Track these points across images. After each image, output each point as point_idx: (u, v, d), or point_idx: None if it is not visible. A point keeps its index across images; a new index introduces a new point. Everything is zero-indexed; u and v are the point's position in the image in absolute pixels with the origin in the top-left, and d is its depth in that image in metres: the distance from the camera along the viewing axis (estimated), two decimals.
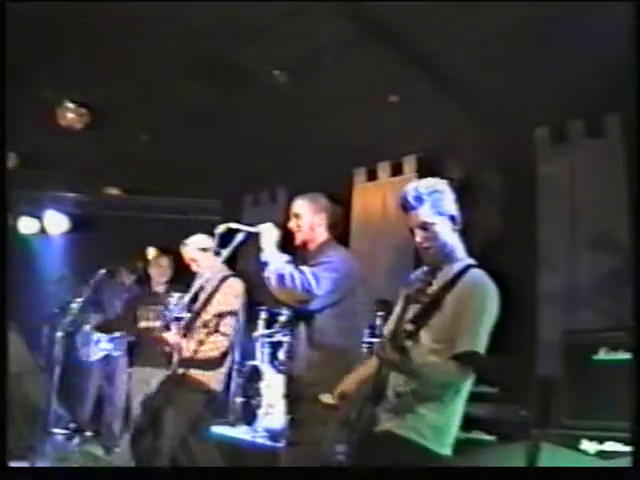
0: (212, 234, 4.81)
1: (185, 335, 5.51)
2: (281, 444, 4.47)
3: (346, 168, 9.04)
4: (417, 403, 3.22)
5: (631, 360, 5.10)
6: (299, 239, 4.62)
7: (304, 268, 4.29)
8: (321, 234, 4.64)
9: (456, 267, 3.37)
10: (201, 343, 5.50)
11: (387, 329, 3.51)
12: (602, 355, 5.45)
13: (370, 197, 8.95)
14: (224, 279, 5.75)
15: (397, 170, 8.69)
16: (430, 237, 3.37)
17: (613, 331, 5.55)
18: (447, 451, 3.26)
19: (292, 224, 4.65)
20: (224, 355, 5.66)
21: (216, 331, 5.51)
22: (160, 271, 7.31)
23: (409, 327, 3.24)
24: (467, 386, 3.32)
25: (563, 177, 7.08)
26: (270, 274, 4.29)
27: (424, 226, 3.36)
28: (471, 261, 3.44)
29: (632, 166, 5.34)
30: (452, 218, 3.42)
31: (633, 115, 4.51)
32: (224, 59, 6.40)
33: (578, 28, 5.32)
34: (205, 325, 5.54)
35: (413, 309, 3.34)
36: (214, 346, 5.52)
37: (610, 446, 4.82)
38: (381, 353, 3.20)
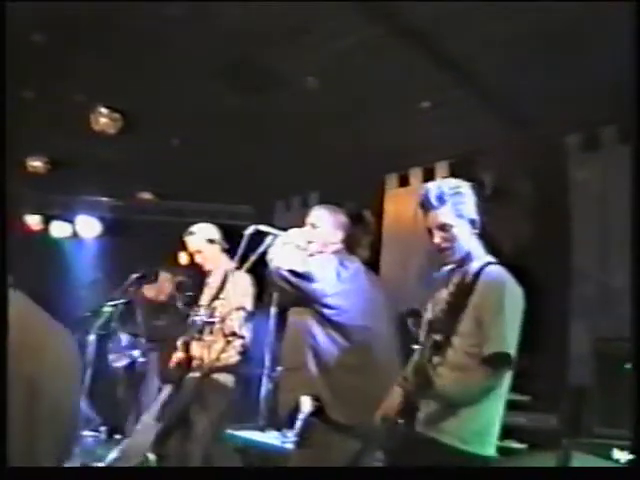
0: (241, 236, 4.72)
1: (200, 340, 5.45)
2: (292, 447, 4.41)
3: (377, 174, 9.02)
4: (455, 408, 3.23)
5: (632, 370, 5.08)
6: (309, 251, 4.48)
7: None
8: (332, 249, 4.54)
9: (473, 268, 3.36)
10: (216, 347, 5.36)
11: (411, 360, 3.49)
12: None
13: (402, 203, 8.90)
14: (228, 274, 5.41)
15: (429, 176, 8.63)
16: (448, 239, 3.37)
17: None
18: (491, 451, 3.25)
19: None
20: (242, 356, 5.56)
21: (231, 333, 5.35)
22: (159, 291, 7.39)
23: (438, 338, 3.23)
24: (504, 385, 3.30)
25: (595, 183, 7.02)
26: (274, 272, 4.28)
27: (443, 227, 3.36)
28: (489, 258, 3.42)
29: None
30: (472, 222, 3.41)
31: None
32: (255, 64, 6.41)
33: (609, 31, 5.27)
34: (216, 328, 5.38)
35: (438, 320, 3.34)
36: (233, 351, 5.43)
37: None
38: (405, 386, 3.26)
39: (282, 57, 6.28)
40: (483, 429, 3.26)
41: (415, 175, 8.83)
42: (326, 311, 4.27)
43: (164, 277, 7.91)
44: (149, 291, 7.93)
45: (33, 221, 10.65)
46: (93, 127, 7.66)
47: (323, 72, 6.43)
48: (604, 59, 5.66)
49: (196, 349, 5.46)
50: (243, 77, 6.64)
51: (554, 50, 5.69)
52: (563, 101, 6.45)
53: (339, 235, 4.55)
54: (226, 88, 6.86)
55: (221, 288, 5.46)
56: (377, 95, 6.80)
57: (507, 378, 3.28)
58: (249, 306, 5.52)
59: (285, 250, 4.32)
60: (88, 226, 10.98)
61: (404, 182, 8.99)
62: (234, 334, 5.36)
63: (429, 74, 6.32)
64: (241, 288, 5.48)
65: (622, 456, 4.90)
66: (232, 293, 5.37)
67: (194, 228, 5.78)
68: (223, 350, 5.32)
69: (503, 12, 5.22)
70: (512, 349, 3.14)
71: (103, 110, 7.58)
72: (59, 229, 11.00)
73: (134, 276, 7.52)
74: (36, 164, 9.09)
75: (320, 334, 4.28)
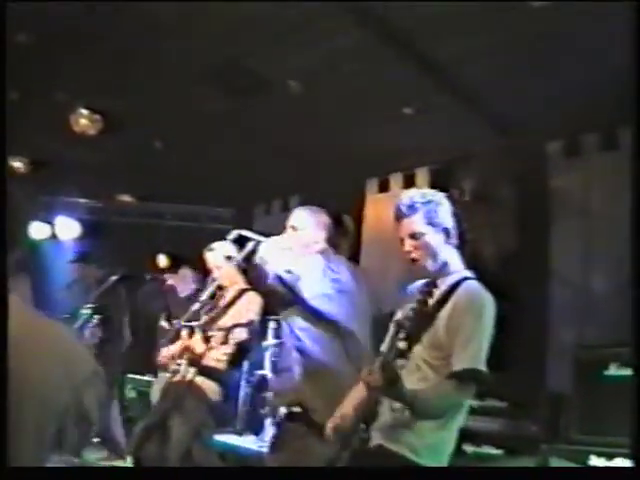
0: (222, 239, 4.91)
1: (205, 341, 5.59)
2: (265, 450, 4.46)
3: (358, 179, 9.02)
4: (414, 421, 3.14)
5: (632, 376, 5.08)
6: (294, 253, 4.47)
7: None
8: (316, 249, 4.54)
9: (450, 280, 3.31)
10: (213, 351, 5.58)
11: (378, 356, 3.29)
12: (613, 371, 5.40)
13: (382, 208, 8.88)
14: (243, 292, 5.82)
15: (409, 182, 8.63)
16: (419, 247, 3.30)
17: (624, 346, 5.48)
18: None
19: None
20: (233, 367, 5.70)
21: (229, 343, 5.54)
22: (184, 284, 7.43)
23: (402, 345, 3.17)
24: (467, 404, 3.27)
25: (577, 190, 7.03)
26: (264, 273, 4.32)
27: (414, 236, 3.30)
28: (467, 273, 3.36)
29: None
30: (446, 231, 3.35)
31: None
32: (238, 67, 6.40)
33: (593, 39, 5.28)
34: (220, 334, 5.58)
35: (407, 328, 3.27)
36: (226, 358, 5.55)
37: (619, 463, 4.79)
38: (369, 381, 3.04)
39: (265, 60, 6.26)
40: (439, 445, 3.21)
41: (396, 181, 8.83)
42: (312, 313, 4.29)
43: (184, 273, 7.94)
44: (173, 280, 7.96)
45: None
46: (73, 128, 7.61)
47: (306, 75, 6.42)
48: (588, 65, 5.69)
49: (198, 344, 5.53)
50: (225, 79, 6.62)
51: (537, 56, 5.70)
52: (545, 108, 6.47)
53: (322, 235, 4.55)
54: (208, 90, 6.84)
55: (232, 303, 5.84)
56: (359, 100, 6.79)
57: (471, 396, 3.25)
58: (253, 321, 5.76)
59: (277, 252, 4.34)
60: (67, 228, 10.89)
61: (384, 187, 8.99)
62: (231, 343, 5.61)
63: (412, 80, 6.32)
64: (253, 306, 5.79)
65: (599, 463, 4.91)
66: (244, 309, 5.74)
67: (214, 245, 6.03)
68: (214, 351, 5.59)
69: (487, 18, 5.22)
70: (482, 365, 3.10)
71: (83, 111, 7.53)
72: (38, 231, 10.90)
73: (113, 278, 7.47)
74: (16, 165, 9.03)
75: (306, 336, 4.31)
